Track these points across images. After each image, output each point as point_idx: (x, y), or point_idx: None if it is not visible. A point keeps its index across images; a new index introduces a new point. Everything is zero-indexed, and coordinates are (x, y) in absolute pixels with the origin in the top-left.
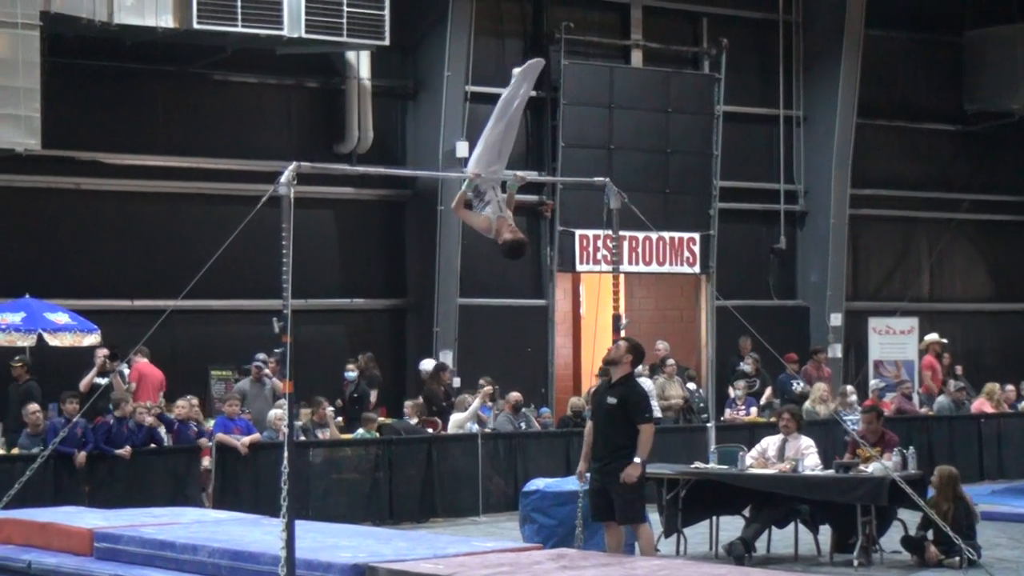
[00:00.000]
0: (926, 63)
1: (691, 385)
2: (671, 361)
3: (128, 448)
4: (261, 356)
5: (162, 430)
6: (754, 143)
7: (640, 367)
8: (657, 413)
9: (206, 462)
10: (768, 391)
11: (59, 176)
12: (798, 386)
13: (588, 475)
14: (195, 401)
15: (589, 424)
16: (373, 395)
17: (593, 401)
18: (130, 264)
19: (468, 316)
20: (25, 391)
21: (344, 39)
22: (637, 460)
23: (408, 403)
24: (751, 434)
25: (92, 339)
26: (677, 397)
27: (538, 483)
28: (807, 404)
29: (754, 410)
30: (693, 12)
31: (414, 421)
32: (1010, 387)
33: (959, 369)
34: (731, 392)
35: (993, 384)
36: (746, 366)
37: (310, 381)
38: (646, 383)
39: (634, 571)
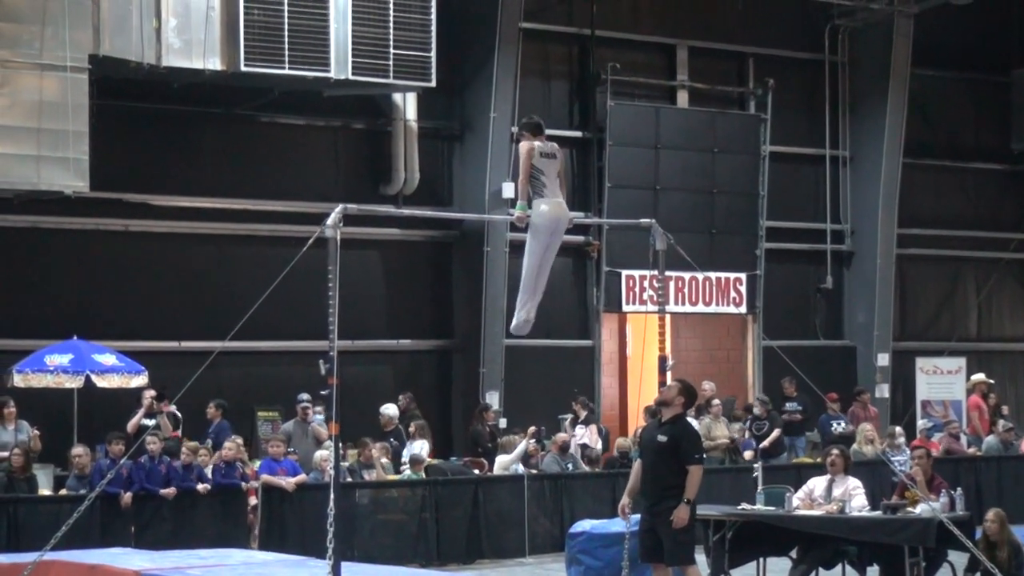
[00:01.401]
0: (973, 102)
1: (736, 425)
2: (717, 402)
3: (173, 489)
4: (305, 396)
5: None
6: (800, 183)
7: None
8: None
9: (252, 502)
10: (776, 432)
11: (107, 218)
12: (838, 427)
13: (628, 511)
14: (239, 440)
15: (637, 463)
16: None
17: (642, 439)
18: (177, 305)
19: (514, 357)
20: None
21: (391, 81)
22: (686, 502)
23: (377, 445)
24: (798, 475)
25: (139, 380)
26: (723, 437)
27: (584, 524)
28: (854, 445)
29: (748, 453)
30: (739, 52)
31: (384, 461)
32: None
33: (1005, 409)
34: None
35: None
36: (756, 408)
37: (356, 422)
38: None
39: None
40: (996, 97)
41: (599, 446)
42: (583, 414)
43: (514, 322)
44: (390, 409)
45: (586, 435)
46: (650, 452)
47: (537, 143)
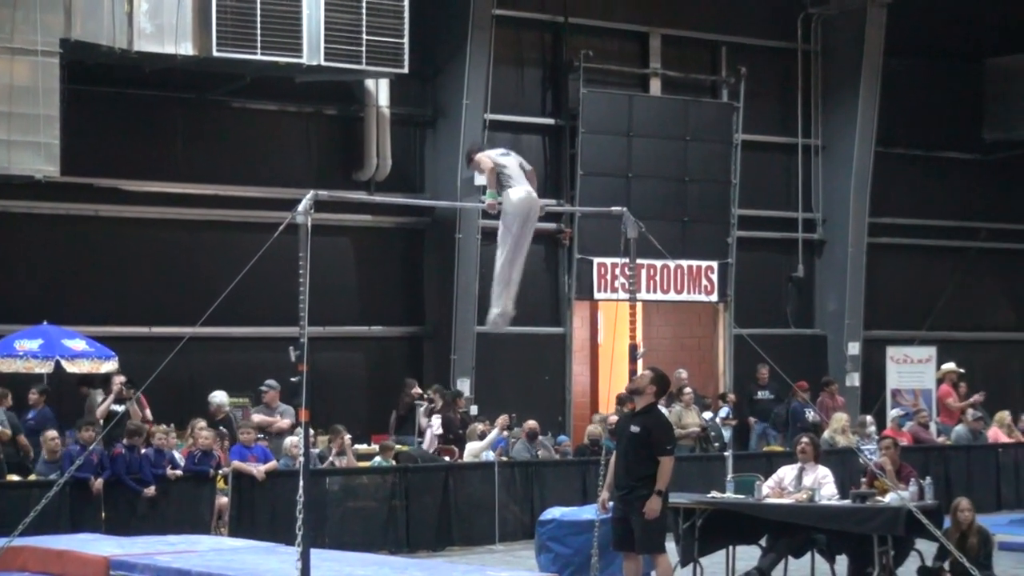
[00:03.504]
0: (945, 92)
1: (707, 414)
2: (688, 389)
3: (153, 488)
4: (270, 382)
5: (178, 455)
6: (772, 172)
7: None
8: None
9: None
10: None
11: (78, 203)
12: (811, 414)
13: (608, 505)
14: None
15: (615, 455)
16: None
17: (617, 428)
18: (148, 291)
19: (486, 344)
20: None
21: (363, 67)
22: (657, 492)
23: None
24: (768, 463)
25: (110, 365)
26: (694, 425)
27: (554, 512)
28: (826, 434)
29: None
30: (712, 41)
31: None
32: None
33: (976, 398)
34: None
35: (1004, 412)
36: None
37: (327, 408)
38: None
39: None
40: (968, 87)
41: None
42: (439, 403)
43: (489, 316)
44: (217, 397)
45: (434, 423)
46: (623, 441)
47: (493, 152)
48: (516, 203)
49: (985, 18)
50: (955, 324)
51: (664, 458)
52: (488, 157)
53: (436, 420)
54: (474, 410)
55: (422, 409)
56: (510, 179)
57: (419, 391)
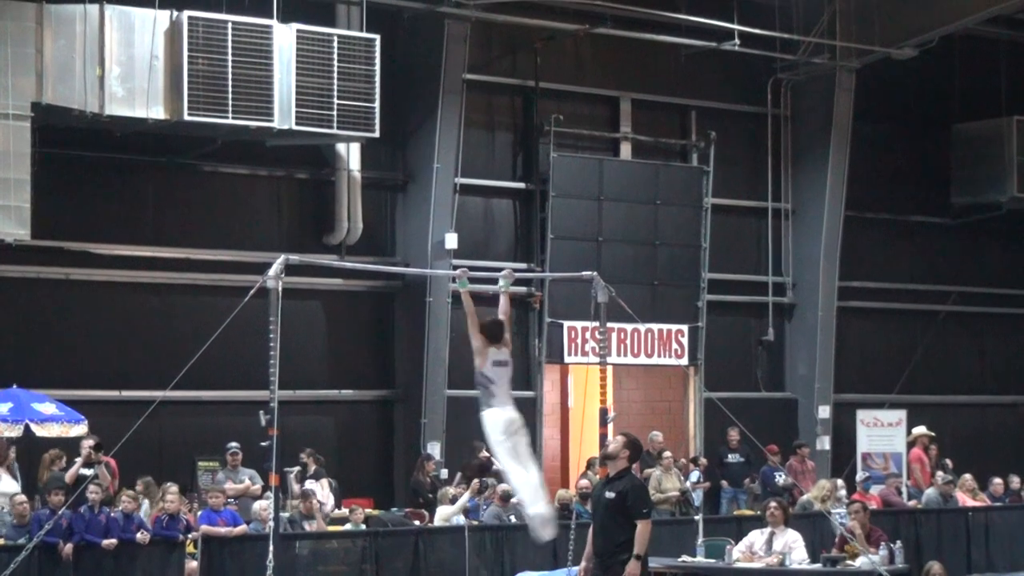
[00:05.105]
0: (914, 156)
1: (694, 476)
2: (668, 453)
3: (114, 540)
4: (234, 445)
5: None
6: (743, 236)
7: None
8: None
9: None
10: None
11: (48, 266)
12: (781, 478)
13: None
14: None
15: (592, 524)
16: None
17: (592, 497)
18: (118, 354)
19: (455, 407)
20: None
21: (334, 131)
22: (636, 557)
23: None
24: (739, 527)
25: (79, 429)
26: (674, 489)
27: None
28: (806, 497)
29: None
30: (682, 105)
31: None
32: (997, 480)
33: (950, 463)
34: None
35: (966, 475)
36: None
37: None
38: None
39: None
40: (936, 151)
41: (330, 501)
42: (312, 467)
43: (532, 521)
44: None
45: (316, 489)
46: (600, 509)
47: (492, 350)
48: (497, 425)
49: (952, 84)
50: (925, 387)
51: (641, 522)
52: (483, 359)
53: (311, 484)
54: (444, 474)
55: (292, 475)
56: (492, 398)
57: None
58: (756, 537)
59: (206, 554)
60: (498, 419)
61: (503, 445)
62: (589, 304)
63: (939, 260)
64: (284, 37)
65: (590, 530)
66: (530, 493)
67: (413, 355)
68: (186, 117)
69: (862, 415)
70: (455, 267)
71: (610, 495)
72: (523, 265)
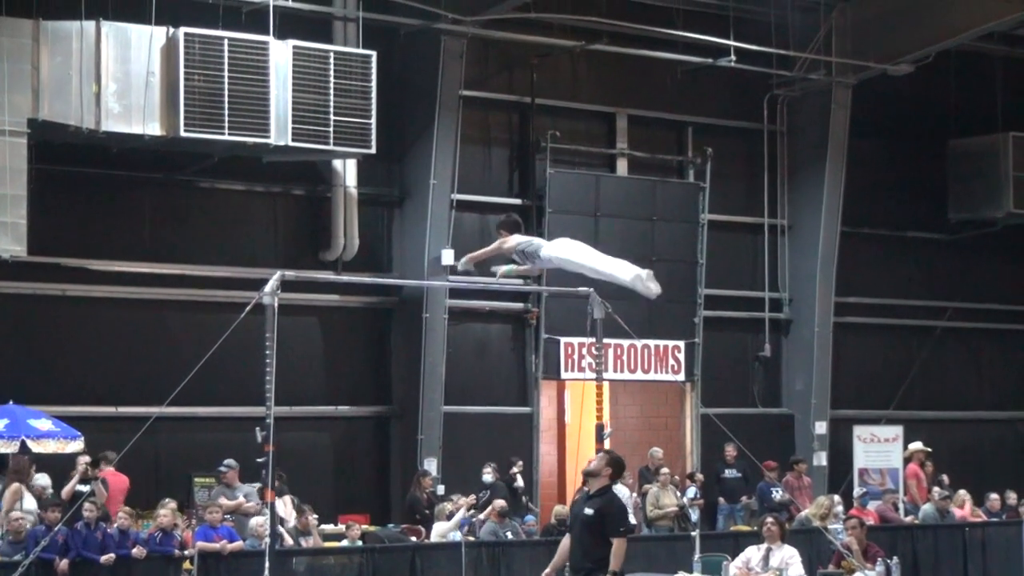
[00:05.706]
0: (910, 172)
1: (691, 492)
2: (665, 469)
3: (112, 556)
4: (228, 462)
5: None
6: (739, 251)
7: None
8: (632, 521)
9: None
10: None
11: (45, 283)
12: (778, 494)
13: None
14: (173, 506)
15: (566, 537)
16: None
17: (571, 512)
18: (115, 370)
19: (453, 423)
20: None
21: (331, 147)
22: (612, 574)
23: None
24: (735, 543)
25: (76, 445)
26: (671, 505)
27: None
28: (805, 513)
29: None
30: (678, 121)
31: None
32: (994, 495)
33: (946, 479)
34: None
35: (961, 491)
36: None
37: (293, 489)
38: (622, 492)
39: None
40: (933, 167)
41: (293, 519)
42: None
43: (639, 282)
44: (40, 480)
45: (279, 507)
46: (578, 524)
47: (515, 239)
48: (556, 244)
49: (948, 100)
50: (922, 403)
51: (617, 539)
52: (513, 247)
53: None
54: (441, 490)
55: (256, 490)
56: (537, 245)
57: None
58: (753, 553)
59: (203, 570)
60: (559, 243)
61: (570, 243)
62: (586, 320)
63: (935, 276)
64: (280, 53)
65: (563, 541)
66: (613, 265)
67: (410, 371)
68: (182, 133)
69: (859, 431)
70: (452, 282)
71: (588, 512)
72: (519, 281)
